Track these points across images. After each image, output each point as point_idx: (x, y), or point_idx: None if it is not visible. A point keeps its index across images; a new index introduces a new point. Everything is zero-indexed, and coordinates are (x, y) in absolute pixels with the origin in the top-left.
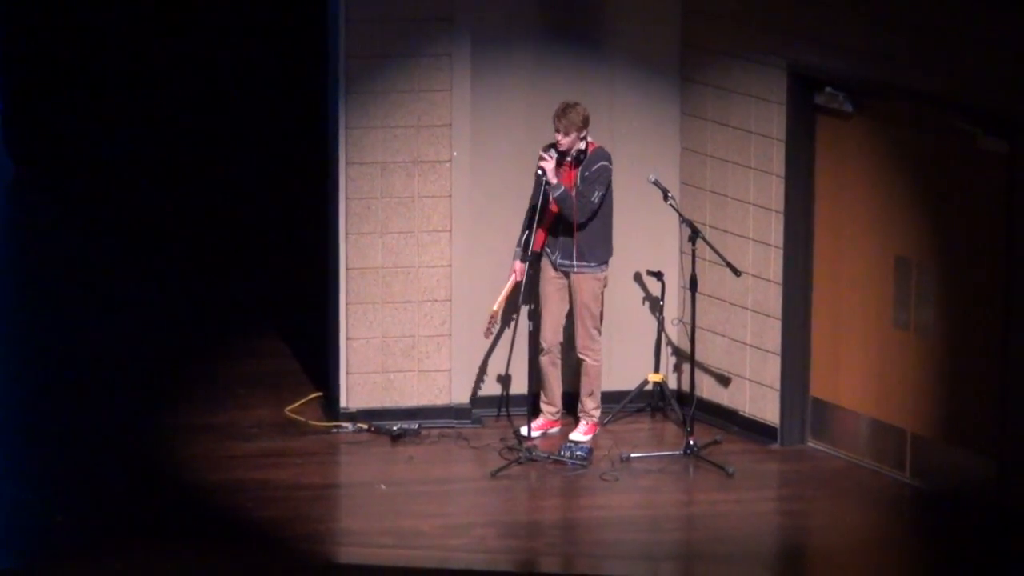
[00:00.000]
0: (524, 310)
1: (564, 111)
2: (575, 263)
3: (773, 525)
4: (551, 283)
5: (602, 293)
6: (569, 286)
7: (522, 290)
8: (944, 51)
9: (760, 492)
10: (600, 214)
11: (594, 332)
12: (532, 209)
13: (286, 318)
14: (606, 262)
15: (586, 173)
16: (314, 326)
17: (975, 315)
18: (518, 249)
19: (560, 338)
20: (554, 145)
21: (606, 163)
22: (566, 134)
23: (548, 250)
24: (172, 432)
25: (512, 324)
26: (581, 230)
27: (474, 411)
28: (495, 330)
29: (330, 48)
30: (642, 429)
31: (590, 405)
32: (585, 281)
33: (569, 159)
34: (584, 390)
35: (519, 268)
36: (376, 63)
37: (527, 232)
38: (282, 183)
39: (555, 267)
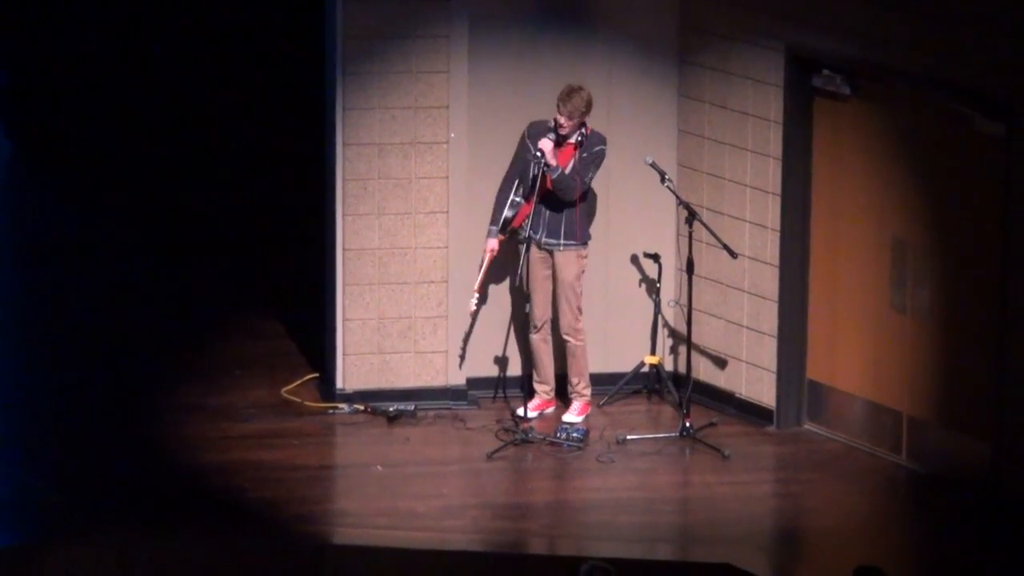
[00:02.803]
0: (519, 292)
1: (569, 95)
2: (561, 241)
3: (769, 507)
4: (537, 263)
5: (582, 272)
6: (553, 265)
7: (519, 271)
8: (942, 34)
9: (756, 474)
10: (586, 197)
11: (577, 312)
12: (507, 184)
13: (283, 299)
14: (586, 242)
15: (584, 155)
16: (311, 307)
17: (972, 298)
18: (493, 227)
19: (550, 315)
20: (552, 127)
21: (604, 147)
22: (569, 118)
23: (531, 230)
24: (168, 413)
25: (508, 305)
26: (569, 208)
27: (470, 392)
28: (475, 306)
29: (327, 28)
30: (638, 411)
31: (580, 385)
32: (569, 259)
33: (573, 140)
34: (572, 371)
35: (495, 245)
36: (374, 44)
37: (504, 208)
38: (279, 164)
39: (539, 246)
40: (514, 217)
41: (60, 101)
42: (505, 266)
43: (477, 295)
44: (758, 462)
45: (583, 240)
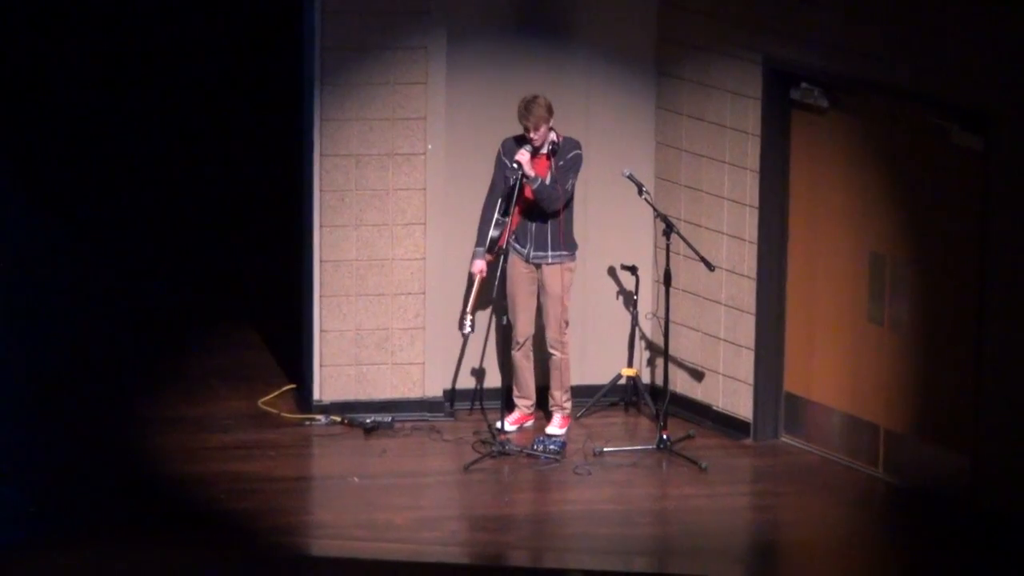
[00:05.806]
0: (497, 305)
1: (527, 107)
2: (550, 254)
3: (746, 520)
4: (522, 277)
5: (570, 285)
6: (541, 278)
7: (496, 283)
8: (919, 46)
9: (733, 487)
10: (569, 204)
11: (563, 325)
12: (490, 205)
13: (260, 310)
14: (574, 251)
15: (560, 162)
16: (288, 318)
17: (949, 311)
18: (479, 248)
19: (532, 331)
20: (522, 139)
21: (579, 152)
22: (536, 129)
23: (517, 244)
24: (146, 424)
25: (485, 319)
26: (554, 218)
27: (447, 404)
28: (471, 330)
29: (306, 40)
30: (615, 423)
31: (563, 398)
32: (558, 272)
33: (545, 151)
34: (555, 384)
35: (482, 266)
36: (352, 55)
37: (489, 228)
38: (257, 175)
39: (527, 260)
40: (500, 236)
41: (40, 113)
42: (485, 280)
43: (471, 318)
44: (735, 474)
45: (572, 251)
